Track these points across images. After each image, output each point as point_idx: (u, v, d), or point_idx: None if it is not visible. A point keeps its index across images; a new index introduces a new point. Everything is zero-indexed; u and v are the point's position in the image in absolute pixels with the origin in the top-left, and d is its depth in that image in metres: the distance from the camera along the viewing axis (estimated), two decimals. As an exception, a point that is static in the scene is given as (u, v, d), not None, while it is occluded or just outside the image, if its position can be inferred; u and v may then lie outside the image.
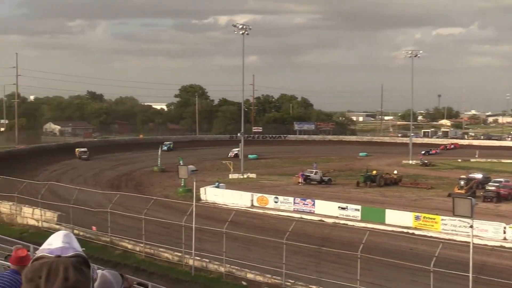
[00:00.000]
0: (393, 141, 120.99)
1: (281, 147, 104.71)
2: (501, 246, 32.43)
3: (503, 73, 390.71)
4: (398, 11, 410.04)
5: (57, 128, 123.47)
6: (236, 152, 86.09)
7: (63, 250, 1.95)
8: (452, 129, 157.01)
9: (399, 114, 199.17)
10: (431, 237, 33.45)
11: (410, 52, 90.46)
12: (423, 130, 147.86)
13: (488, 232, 33.77)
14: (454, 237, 32.86)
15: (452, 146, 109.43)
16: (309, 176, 59.47)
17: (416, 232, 35.50)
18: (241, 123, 73.76)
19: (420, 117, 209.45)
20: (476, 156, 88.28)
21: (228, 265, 26.13)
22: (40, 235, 30.08)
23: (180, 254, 27.83)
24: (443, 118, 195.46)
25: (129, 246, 29.95)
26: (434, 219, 37.06)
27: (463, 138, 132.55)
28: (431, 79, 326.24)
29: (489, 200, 47.40)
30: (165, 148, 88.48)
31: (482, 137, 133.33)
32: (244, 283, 25.06)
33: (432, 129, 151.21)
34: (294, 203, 43.86)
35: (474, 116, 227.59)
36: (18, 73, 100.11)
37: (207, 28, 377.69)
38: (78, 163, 72.82)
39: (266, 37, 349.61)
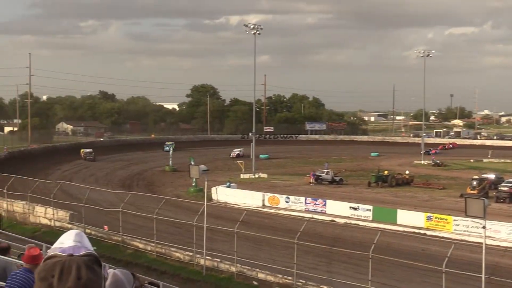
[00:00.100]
0: (405, 141, 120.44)
1: (292, 147, 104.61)
2: (514, 247, 32.18)
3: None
4: (410, 11, 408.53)
5: (69, 127, 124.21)
6: (238, 152, 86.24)
7: (75, 249, 1.96)
8: (464, 129, 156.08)
9: (411, 114, 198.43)
10: (443, 237, 33.30)
11: (422, 51, 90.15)
12: (435, 130, 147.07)
13: (501, 233, 33.50)
14: (466, 238, 32.64)
15: (451, 146, 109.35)
16: (320, 176, 59.36)
17: (428, 232, 35.29)
18: (252, 123, 73.78)
19: (432, 117, 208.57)
20: (489, 156, 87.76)
21: (239, 265, 26.12)
22: (53, 234, 30.26)
23: (191, 253, 27.86)
24: (455, 118, 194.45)
25: (141, 246, 30.04)
26: (446, 219, 36.85)
27: (475, 138, 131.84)
28: (444, 79, 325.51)
29: (502, 200, 47.08)
30: (167, 148, 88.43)
31: (495, 137, 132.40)
32: (255, 283, 25.05)
33: (444, 129, 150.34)
34: (306, 203, 43.80)
35: (487, 116, 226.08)
36: (31, 73, 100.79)
37: (219, 28, 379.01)
38: (90, 163, 73.13)
39: (277, 37, 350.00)
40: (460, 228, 35.10)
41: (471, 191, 48.08)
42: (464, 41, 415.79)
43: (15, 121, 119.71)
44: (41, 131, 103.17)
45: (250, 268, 25.88)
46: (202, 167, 35.39)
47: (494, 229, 32.50)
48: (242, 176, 64.05)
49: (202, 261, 26.93)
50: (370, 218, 39.40)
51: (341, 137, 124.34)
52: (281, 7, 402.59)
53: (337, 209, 41.79)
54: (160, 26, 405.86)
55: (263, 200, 45.63)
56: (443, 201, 48.17)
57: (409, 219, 37.90)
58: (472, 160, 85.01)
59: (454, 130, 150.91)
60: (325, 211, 42.12)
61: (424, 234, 34.85)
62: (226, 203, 46.26)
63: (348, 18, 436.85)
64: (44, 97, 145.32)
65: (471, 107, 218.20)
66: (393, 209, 40.96)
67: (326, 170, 60.66)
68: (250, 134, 74.16)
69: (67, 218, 34.09)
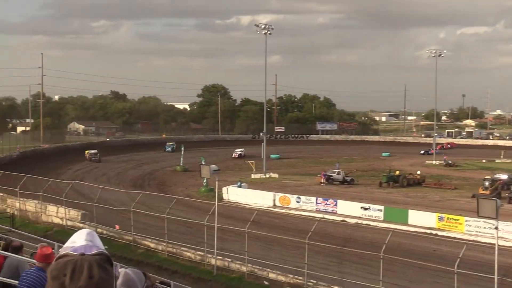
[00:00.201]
0: (416, 141, 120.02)
1: (303, 147, 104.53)
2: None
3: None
4: (421, 11, 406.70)
5: (81, 127, 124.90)
6: (240, 152, 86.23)
7: (86, 248, 1.97)
8: (476, 129, 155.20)
9: (423, 114, 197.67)
10: (454, 238, 33.14)
11: (434, 51, 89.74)
12: (447, 130, 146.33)
13: (514, 233, 33.30)
14: (479, 239, 32.41)
15: (449, 145, 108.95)
16: (331, 176, 59.27)
17: (440, 233, 35.10)
18: (263, 122, 73.78)
19: (444, 117, 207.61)
20: (501, 156, 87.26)
21: (250, 265, 26.13)
22: (64, 233, 30.45)
23: (202, 253, 27.90)
24: (467, 118, 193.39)
25: (152, 245, 30.13)
26: (458, 220, 36.65)
27: (488, 138, 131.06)
28: (455, 79, 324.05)
29: (514, 201, 46.73)
30: (169, 149, 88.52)
31: (507, 137, 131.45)
32: (266, 282, 25.05)
33: (456, 129, 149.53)
34: (316, 203, 43.73)
35: (499, 116, 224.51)
36: (43, 73, 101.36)
37: (230, 28, 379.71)
38: (103, 162, 73.34)
39: (288, 36, 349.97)
40: (472, 228, 34.91)
41: (483, 192, 47.79)
42: (477, 40, 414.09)
43: (28, 121, 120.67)
44: (53, 131, 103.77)
45: (261, 268, 25.87)
46: (213, 167, 35.40)
47: (506, 230, 32.32)
48: (253, 176, 64.06)
49: (213, 261, 26.97)
50: (381, 218, 39.29)
51: (352, 137, 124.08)
52: (292, 7, 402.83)
53: (348, 209, 41.71)
54: (171, 26, 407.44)
55: (274, 200, 45.62)
56: (454, 202, 47.92)
57: (421, 219, 37.74)
58: (484, 161, 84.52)
59: (466, 130, 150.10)
60: (336, 211, 42.04)
61: (436, 234, 34.65)
62: (237, 203, 46.30)
63: (359, 18, 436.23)
64: (56, 97, 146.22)
65: (483, 107, 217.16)
66: (404, 209, 40.82)
67: (337, 170, 60.56)
68: (261, 134, 74.10)
69: (79, 217, 34.26)
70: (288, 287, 24.38)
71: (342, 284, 23.93)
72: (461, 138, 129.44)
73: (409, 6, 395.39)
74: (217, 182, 30.63)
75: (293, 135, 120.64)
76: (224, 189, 48.02)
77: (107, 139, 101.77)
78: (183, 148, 71.68)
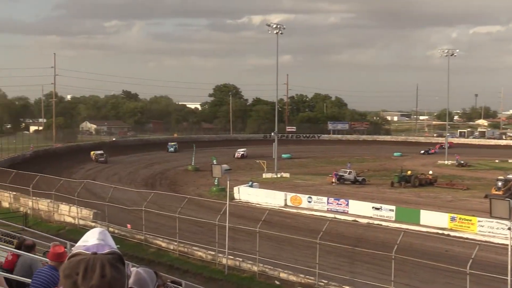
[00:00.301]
0: (428, 141, 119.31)
1: (314, 147, 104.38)
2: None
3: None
4: (433, 10, 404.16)
5: (93, 127, 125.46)
6: (242, 152, 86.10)
7: (98, 247, 1.98)
8: (489, 129, 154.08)
9: (435, 114, 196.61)
10: (467, 238, 32.98)
11: (446, 51, 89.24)
12: (459, 130, 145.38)
13: (527, 234, 33.03)
14: (491, 239, 32.17)
15: (448, 145, 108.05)
16: (343, 176, 59.13)
17: (452, 233, 34.94)
18: (275, 122, 73.70)
19: (456, 117, 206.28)
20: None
21: (261, 265, 26.13)
22: (77, 232, 30.61)
23: (213, 252, 27.94)
24: (480, 118, 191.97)
25: (163, 244, 30.21)
26: (470, 220, 36.42)
27: (500, 138, 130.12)
28: (468, 79, 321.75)
29: (527, 201, 46.34)
30: (172, 149, 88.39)
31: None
32: (277, 282, 25.04)
33: (469, 129, 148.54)
34: (328, 203, 43.64)
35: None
36: (56, 73, 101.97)
37: (241, 27, 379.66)
38: (113, 162, 73.61)
39: (299, 36, 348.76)
40: (484, 229, 34.67)
41: (496, 192, 47.45)
42: (489, 40, 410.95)
43: (40, 120, 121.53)
44: (66, 131, 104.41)
45: (272, 267, 25.88)
46: (225, 166, 35.35)
47: (519, 230, 32.04)
48: (264, 175, 64.05)
49: (224, 260, 27.01)
50: (393, 219, 39.13)
51: (364, 137, 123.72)
52: (304, 6, 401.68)
53: (360, 209, 41.58)
54: (182, 26, 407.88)
55: (285, 200, 45.57)
56: (467, 202, 47.63)
57: (433, 219, 37.53)
58: (497, 161, 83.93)
59: (478, 130, 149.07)
60: (348, 211, 41.93)
61: (448, 235, 34.47)
62: (248, 202, 46.31)
63: (371, 18, 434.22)
64: (69, 97, 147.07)
65: (496, 107, 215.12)
66: (416, 209, 40.62)
67: (348, 170, 60.40)
68: (272, 134, 74.03)
69: (91, 216, 34.43)
70: (299, 287, 24.36)
71: (353, 284, 23.88)
72: (474, 138, 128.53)
73: (421, 6, 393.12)
74: (228, 182, 30.63)
75: (304, 135, 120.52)
76: (235, 189, 48.06)
77: (113, 139, 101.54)
78: (195, 147, 71.78)
